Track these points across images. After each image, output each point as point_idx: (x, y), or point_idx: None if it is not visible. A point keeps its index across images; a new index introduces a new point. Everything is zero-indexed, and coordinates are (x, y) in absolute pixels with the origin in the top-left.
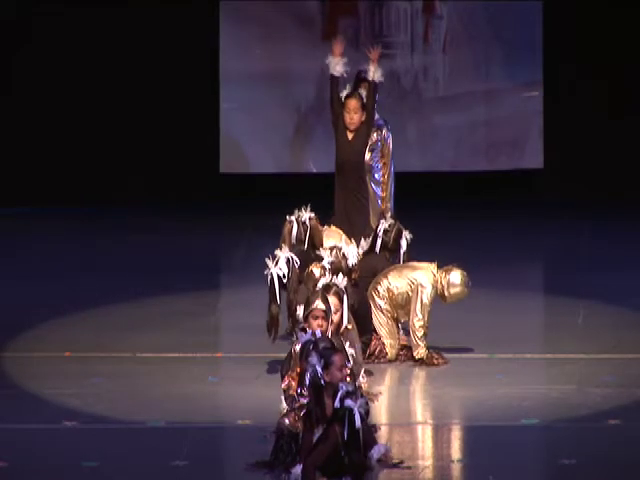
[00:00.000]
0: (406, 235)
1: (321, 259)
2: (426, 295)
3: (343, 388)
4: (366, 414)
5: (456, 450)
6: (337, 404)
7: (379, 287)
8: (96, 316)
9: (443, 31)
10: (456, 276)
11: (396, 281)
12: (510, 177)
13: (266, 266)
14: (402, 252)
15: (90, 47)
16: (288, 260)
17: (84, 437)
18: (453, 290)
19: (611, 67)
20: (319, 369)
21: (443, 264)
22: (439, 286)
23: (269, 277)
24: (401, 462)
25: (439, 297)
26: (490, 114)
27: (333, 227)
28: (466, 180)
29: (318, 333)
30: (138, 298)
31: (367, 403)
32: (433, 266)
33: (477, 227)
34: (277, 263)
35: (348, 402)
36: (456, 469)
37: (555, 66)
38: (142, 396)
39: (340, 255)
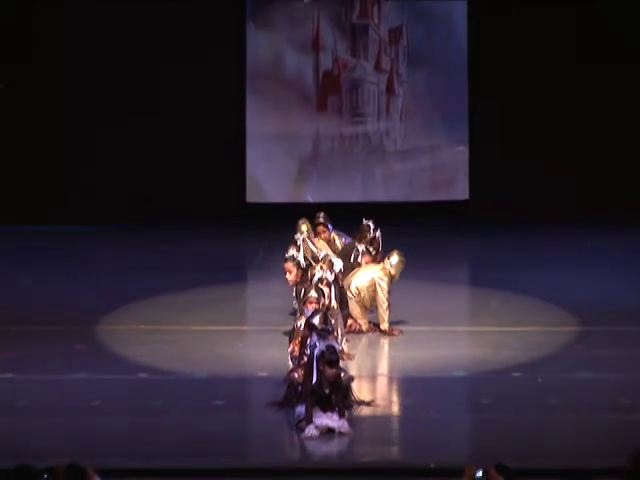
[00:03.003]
0: (379, 239)
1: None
2: (385, 285)
3: (315, 337)
4: (331, 353)
5: (408, 393)
6: (312, 344)
7: (350, 287)
8: (159, 301)
9: (400, 105)
10: (395, 257)
11: (361, 281)
12: (446, 205)
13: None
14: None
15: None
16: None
17: (152, 384)
18: (396, 267)
19: (518, 131)
20: (319, 344)
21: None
22: (388, 273)
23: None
24: (372, 401)
25: (390, 279)
26: (433, 162)
27: (322, 241)
28: (416, 207)
29: (310, 312)
30: (186, 289)
31: (330, 346)
32: (382, 264)
33: (424, 239)
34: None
35: (317, 340)
36: (408, 406)
37: (476, 130)
38: (191, 356)
39: (328, 263)
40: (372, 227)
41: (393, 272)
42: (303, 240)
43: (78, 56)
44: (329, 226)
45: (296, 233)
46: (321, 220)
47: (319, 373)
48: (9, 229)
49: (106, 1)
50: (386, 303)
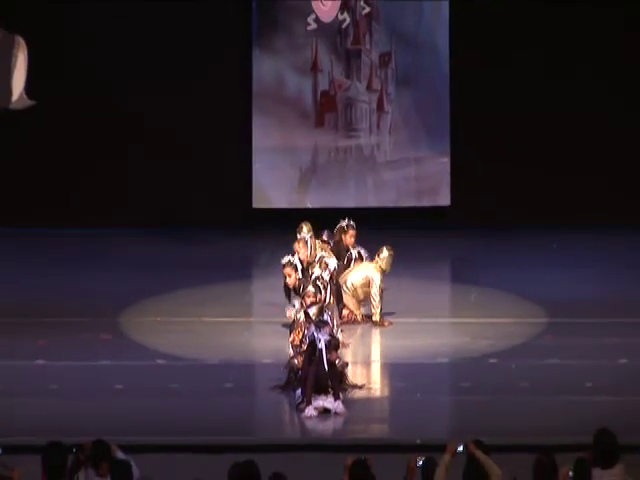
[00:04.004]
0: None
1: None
2: (377, 281)
3: (313, 327)
4: (331, 341)
5: (397, 377)
6: (310, 334)
7: (347, 282)
8: (175, 296)
9: (389, 121)
10: (384, 252)
11: (356, 278)
12: (430, 210)
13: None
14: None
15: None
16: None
17: (169, 369)
18: (386, 260)
19: (494, 144)
20: (316, 334)
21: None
22: (380, 268)
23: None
24: (364, 385)
25: (382, 273)
26: (418, 172)
27: (320, 242)
28: (403, 212)
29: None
30: (199, 285)
31: (330, 334)
32: (374, 262)
33: (410, 240)
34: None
35: (315, 330)
36: (396, 389)
37: (457, 144)
38: (204, 344)
39: (323, 263)
40: (344, 224)
41: (384, 266)
42: (310, 239)
43: (102, 68)
44: (330, 243)
45: (298, 232)
46: (324, 238)
47: (325, 359)
48: (44, 231)
49: (119, 20)
50: (378, 297)
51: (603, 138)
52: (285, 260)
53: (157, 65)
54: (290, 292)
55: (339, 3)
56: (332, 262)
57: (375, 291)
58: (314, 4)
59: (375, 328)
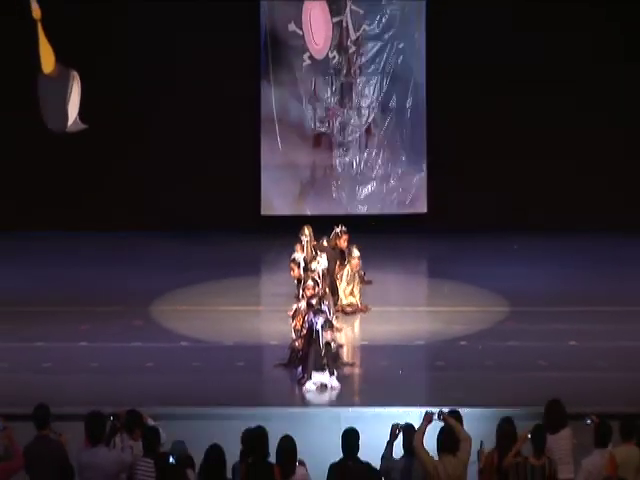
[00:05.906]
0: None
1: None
2: (356, 281)
3: (311, 314)
4: (327, 324)
5: (379, 357)
6: (309, 320)
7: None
8: (195, 288)
9: (377, 141)
10: (355, 251)
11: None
12: (410, 217)
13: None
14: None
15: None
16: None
17: (191, 350)
18: (358, 257)
19: (465, 162)
20: (314, 319)
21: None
22: (355, 267)
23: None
24: (354, 363)
25: (359, 271)
26: (400, 185)
27: (317, 244)
28: (387, 218)
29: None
30: (216, 279)
31: (327, 318)
32: (348, 263)
33: (393, 242)
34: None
35: (313, 317)
36: (378, 367)
37: (433, 162)
38: (220, 329)
39: (317, 261)
40: (338, 230)
41: (356, 263)
42: (307, 242)
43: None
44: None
45: (301, 234)
46: (323, 242)
47: (322, 338)
48: (88, 235)
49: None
50: (359, 294)
51: (589, 143)
52: (291, 257)
53: (183, 95)
54: (298, 284)
55: (330, 43)
56: (323, 260)
57: (355, 288)
58: (308, 44)
59: (362, 315)
